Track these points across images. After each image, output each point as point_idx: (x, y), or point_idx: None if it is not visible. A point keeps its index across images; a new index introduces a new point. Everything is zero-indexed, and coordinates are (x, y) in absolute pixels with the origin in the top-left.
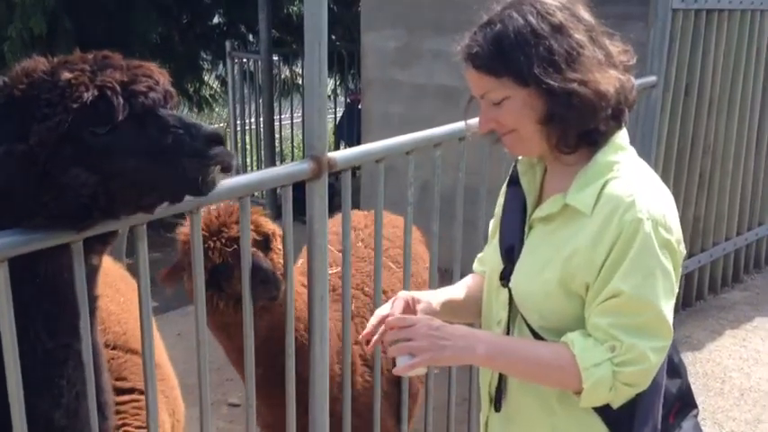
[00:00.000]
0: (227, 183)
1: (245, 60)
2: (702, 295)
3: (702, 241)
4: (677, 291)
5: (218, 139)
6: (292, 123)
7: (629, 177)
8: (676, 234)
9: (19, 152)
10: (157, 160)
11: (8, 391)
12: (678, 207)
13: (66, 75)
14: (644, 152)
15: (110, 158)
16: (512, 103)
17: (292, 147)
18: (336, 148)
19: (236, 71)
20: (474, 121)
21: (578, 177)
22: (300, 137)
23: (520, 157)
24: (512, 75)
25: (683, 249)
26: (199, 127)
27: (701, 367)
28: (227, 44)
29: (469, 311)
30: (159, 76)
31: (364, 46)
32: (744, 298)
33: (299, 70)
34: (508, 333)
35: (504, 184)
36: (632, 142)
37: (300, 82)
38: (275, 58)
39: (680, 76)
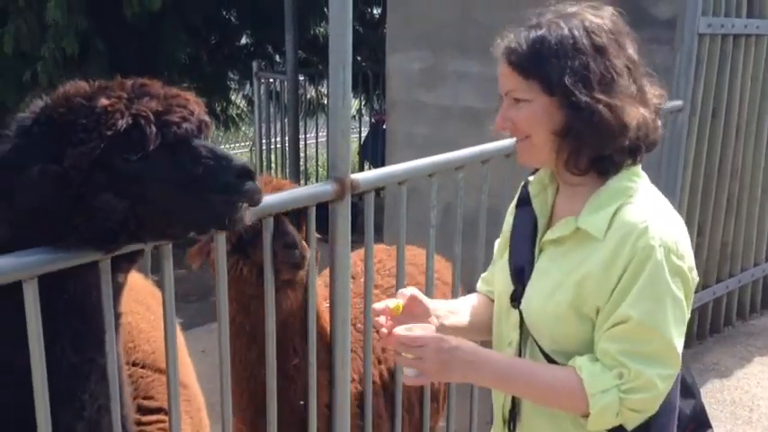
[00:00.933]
0: None
1: (271, 80)
2: (731, 321)
3: (731, 267)
4: (688, 318)
5: (248, 174)
6: (317, 142)
7: (642, 203)
8: (688, 261)
9: (53, 173)
10: (187, 191)
11: (35, 404)
12: (705, 232)
13: (104, 102)
14: (670, 176)
15: (140, 186)
16: (531, 108)
17: (317, 165)
18: (361, 167)
19: (262, 91)
20: (496, 144)
21: (591, 201)
22: (325, 156)
23: (531, 179)
24: (540, 79)
25: (695, 276)
26: (230, 159)
27: (728, 395)
28: (254, 64)
29: (473, 333)
30: (195, 106)
31: (389, 67)
32: None
33: (324, 90)
34: (520, 354)
35: (513, 205)
36: (658, 166)
37: (326, 102)
38: (301, 78)
39: (706, 100)
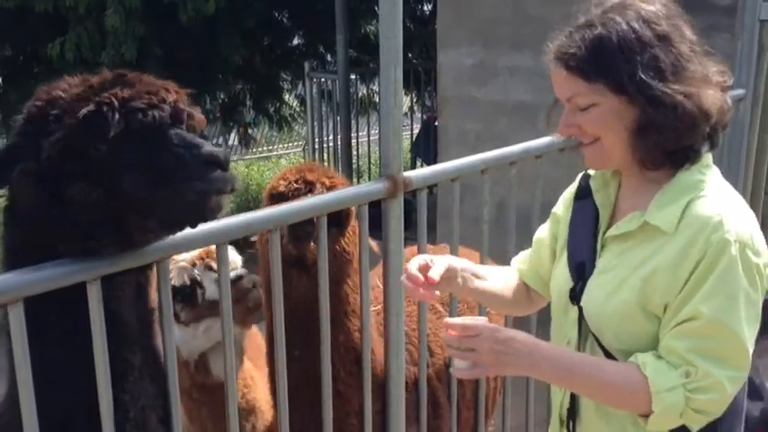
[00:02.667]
0: (303, 202)
1: (323, 80)
2: None
3: None
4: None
5: (217, 162)
6: (369, 141)
7: (715, 197)
8: (764, 257)
9: (31, 169)
10: (155, 180)
11: (101, 408)
12: None
13: (74, 91)
14: (732, 168)
15: (110, 174)
16: (599, 110)
17: (369, 163)
18: (413, 165)
19: (314, 90)
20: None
21: (659, 195)
22: (377, 154)
23: (592, 173)
24: (608, 80)
25: None
26: (199, 147)
27: None
28: (306, 65)
29: (496, 304)
30: (167, 93)
31: (441, 64)
32: None
33: (375, 88)
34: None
35: (570, 192)
36: (720, 157)
37: (377, 100)
38: (352, 77)
39: None
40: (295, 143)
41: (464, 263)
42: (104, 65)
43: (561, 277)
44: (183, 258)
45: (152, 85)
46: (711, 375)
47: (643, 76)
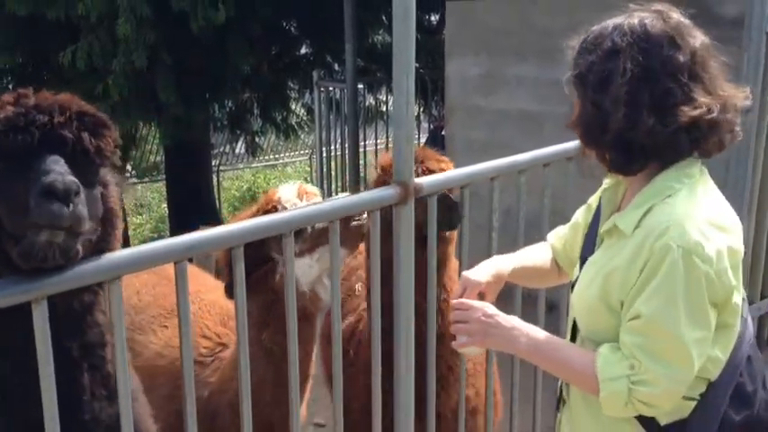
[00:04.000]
0: (316, 207)
1: (331, 89)
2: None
3: None
4: (735, 322)
5: (54, 193)
6: (377, 149)
7: (674, 204)
8: (718, 265)
9: None
10: (7, 211)
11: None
12: None
13: None
14: (739, 178)
15: None
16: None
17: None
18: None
19: (322, 99)
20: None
21: (636, 198)
22: None
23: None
24: (573, 79)
25: (729, 281)
26: (42, 175)
27: None
28: (315, 74)
29: (532, 280)
30: (43, 116)
31: (448, 73)
32: None
33: (382, 98)
34: (573, 338)
35: (602, 189)
36: (726, 169)
37: (384, 109)
38: (360, 86)
39: None
40: (300, 151)
41: (508, 264)
42: (115, 73)
43: (575, 269)
44: (289, 197)
45: (36, 107)
46: (651, 371)
47: (580, 78)
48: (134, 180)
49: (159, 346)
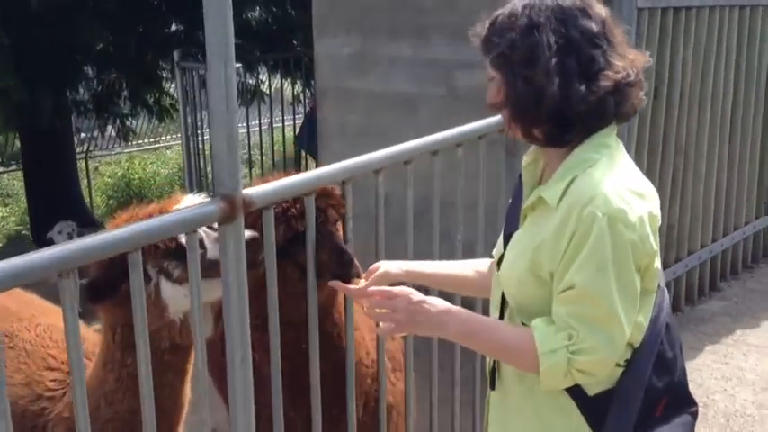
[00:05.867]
0: (110, 234)
1: (200, 70)
2: (680, 307)
3: (677, 251)
4: (653, 287)
5: None
6: (260, 130)
7: (596, 174)
8: (641, 231)
9: None
10: None
11: None
12: None
13: None
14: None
15: None
16: (493, 83)
17: (261, 154)
18: (297, 157)
19: (187, 82)
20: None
21: (558, 171)
22: (268, 144)
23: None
24: (491, 57)
25: (651, 247)
26: None
27: None
28: (176, 54)
29: (460, 287)
30: None
31: (317, 53)
32: (722, 308)
33: (263, 78)
34: (501, 315)
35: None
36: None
37: (264, 89)
38: (238, 65)
39: (648, 76)
40: (178, 135)
41: (424, 266)
42: None
43: (498, 247)
44: None
45: None
46: (588, 339)
47: (502, 57)
48: None
49: None
